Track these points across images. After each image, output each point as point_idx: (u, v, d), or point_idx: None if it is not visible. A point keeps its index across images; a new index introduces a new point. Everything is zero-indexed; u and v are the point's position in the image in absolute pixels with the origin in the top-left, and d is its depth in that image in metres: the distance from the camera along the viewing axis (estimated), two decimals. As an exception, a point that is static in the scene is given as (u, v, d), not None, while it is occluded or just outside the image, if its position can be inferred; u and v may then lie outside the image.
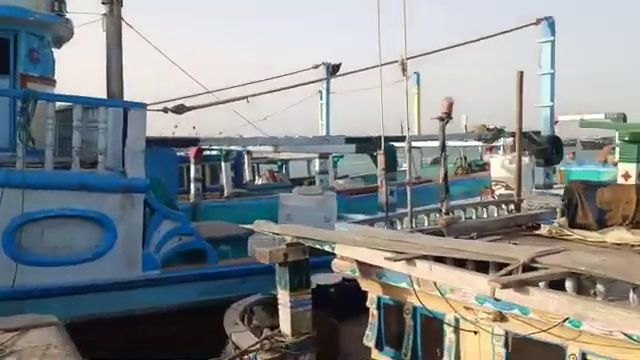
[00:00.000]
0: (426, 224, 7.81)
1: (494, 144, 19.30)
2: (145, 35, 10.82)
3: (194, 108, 10.76)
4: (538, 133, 15.72)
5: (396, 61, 7.90)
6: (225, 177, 22.52)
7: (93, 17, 10.21)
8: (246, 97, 11.14)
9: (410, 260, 4.66)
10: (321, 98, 23.29)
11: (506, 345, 4.77)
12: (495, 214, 8.60)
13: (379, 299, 6.00)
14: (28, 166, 8.26)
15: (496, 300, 3.99)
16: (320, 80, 19.91)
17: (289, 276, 5.92)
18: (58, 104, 9.48)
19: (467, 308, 4.95)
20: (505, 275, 3.94)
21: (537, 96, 15.92)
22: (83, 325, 7.27)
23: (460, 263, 4.68)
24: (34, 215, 8.13)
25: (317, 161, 20.20)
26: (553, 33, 15.56)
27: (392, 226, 7.95)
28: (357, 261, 5.65)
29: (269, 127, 14.47)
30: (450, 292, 4.89)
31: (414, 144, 10.59)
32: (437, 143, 15.24)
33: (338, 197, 12.22)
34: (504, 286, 3.65)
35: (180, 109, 10.39)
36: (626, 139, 10.24)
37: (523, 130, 9.22)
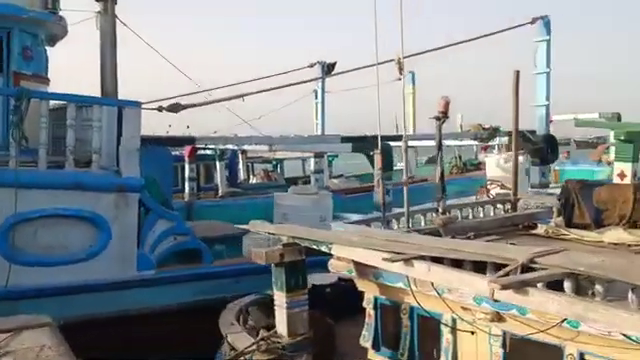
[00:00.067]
0: (422, 224, 7.79)
1: (489, 143, 19.32)
2: (143, 35, 10.77)
3: (189, 107, 10.72)
4: (533, 132, 15.75)
5: (392, 60, 7.86)
6: (220, 176, 22.49)
7: (87, 15, 10.14)
8: (241, 96, 11.10)
9: (408, 261, 4.63)
10: (316, 97, 23.27)
11: (504, 345, 4.75)
12: (491, 213, 8.59)
13: (376, 299, 5.97)
14: (21, 165, 8.19)
15: (495, 301, 3.97)
16: (315, 79, 19.88)
17: (285, 277, 5.88)
18: (51, 103, 9.41)
19: (464, 308, 4.93)
20: (504, 276, 3.91)
21: (532, 95, 15.95)
22: (77, 326, 7.20)
23: (457, 263, 4.65)
24: (27, 215, 8.06)
25: (312, 160, 20.16)
26: (549, 32, 15.58)
27: (388, 226, 7.93)
28: (354, 261, 5.61)
29: (264, 126, 14.45)
30: (447, 292, 4.87)
31: (409, 143, 10.55)
32: (432, 142, 15.29)
33: (333, 196, 12.19)
34: (504, 287, 3.63)
35: (175, 108, 10.34)
36: (622, 138, 10.28)
37: (519, 129, 9.21)
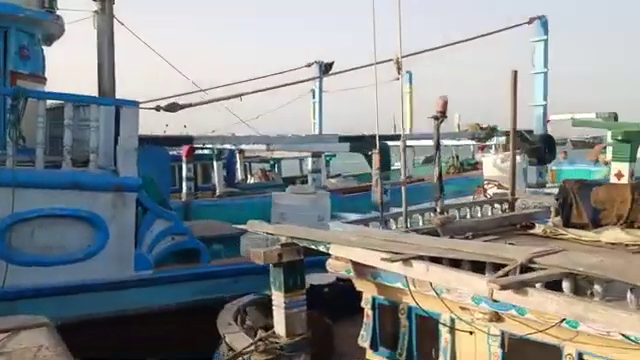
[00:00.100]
0: (420, 224, 7.78)
1: (486, 143, 19.34)
2: (140, 34, 10.74)
3: (187, 106, 10.68)
4: (531, 132, 15.76)
5: (391, 59, 7.85)
6: (217, 176, 22.46)
7: (84, 14, 10.11)
8: (239, 95, 11.07)
9: (406, 261, 4.63)
10: (314, 97, 23.26)
11: (502, 345, 4.76)
12: (489, 213, 8.59)
13: (374, 299, 5.97)
14: (18, 165, 8.16)
15: (494, 301, 3.97)
16: (313, 79, 19.86)
17: (284, 277, 5.87)
18: (48, 102, 9.38)
19: (463, 308, 4.93)
20: (503, 276, 3.91)
21: (530, 95, 15.96)
22: (75, 326, 7.19)
23: (455, 263, 4.65)
24: (24, 214, 8.04)
25: (310, 160, 20.17)
26: (546, 32, 15.58)
27: (386, 226, 7.92)
28: (352, 261, 5.61)
29: (261, 126, 14.45)
30: (446, 292, 4.87)
31: (407, 143, 10.52)
32: (429, 142, 15.30)
33: (331, 196, 12.19)
34: (503, 287, 3.62)
35: (173, 107, 10.31)
36: (619, 138, 10.29)
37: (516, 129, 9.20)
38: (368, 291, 5.98)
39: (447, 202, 8.22)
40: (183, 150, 20.15)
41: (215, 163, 22.44)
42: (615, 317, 3.19)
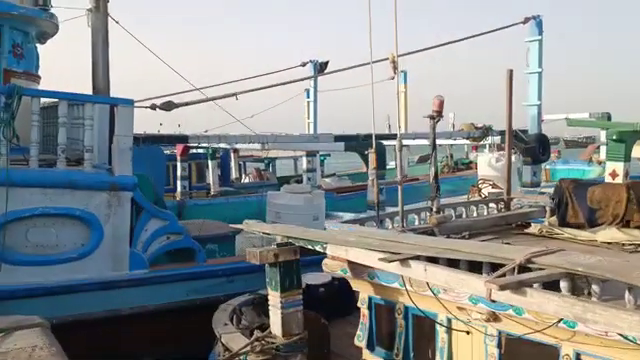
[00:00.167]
0: (416, 223, 7.78)
1: (480, 142, 19.40)
2: (137, 35, 10.69)
3: (183, 105, 10.64)
4: (525, 131, 15.82)
5: (387, 59, 7.85)
6: (212, 175, 22.46)
7: (79, 12, 10.06)
8: (235, 94, 11.03)
9: (404, 261, 4.61)
10: (308, 96, 23.24)
11: (499, 345, 4.75)
12: (485, 213, 8.60)
13: (370, 299, 5.95)
14: (12, 164, 8.10)
15: (492, 301, 3.96)
16: (308, 78, 19.84)
17: (280, 277, 5.84)
18: (41, 101, 9.32)
19: (460, 308, 4.92)
20: (501, 276, 3.90)
21: (524, 95, 16.02)
22: (69, 326, 7.18)
23: (453, 263, 4.64)
24: (18, 214, 7.96)
25: (304, 159, 20.20)
26: (541, 32, 15.65)
27: (382, 225, 7.91)
28: (348, 261, 5.59)
29: (255, 126, 14.39)
30: (443, 292, 4.86)
31: (396, 142, 10.51)
32: (423, 141, 15.34)
33: (326, 195, 12.18)
34: (502, 288, 3.61)
35: (168, 106, 10.26)
36: (614, 138, 10.33)
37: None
38: (364, 291, 5.96)
39: (442, 201, 8.23)
40: (178, 149, 20.13)
41: (210, 162, 22.43)
42: (615, 318, 3.19)
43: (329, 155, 31.08)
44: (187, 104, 10.76)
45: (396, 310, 5.66)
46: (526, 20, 15.62)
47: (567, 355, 4.27)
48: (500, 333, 4.70)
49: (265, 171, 29.96)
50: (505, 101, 8.58)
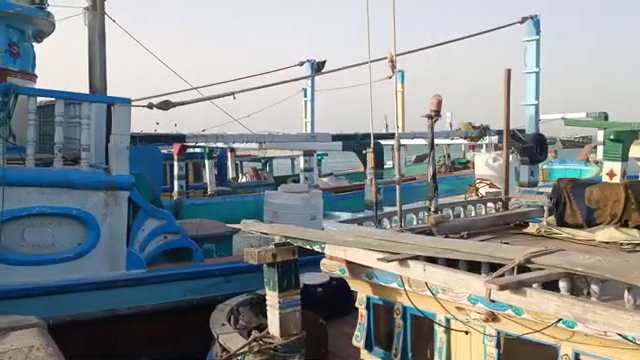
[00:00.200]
0: (414, 223, 7.77)
1: (478, 142, 19.43)
2: (133, 34, 10.65)
3: (180, 104, 10.61)
4: (523, 131, 15.85)
5: (385, 58, 7.84)
6: (209, 175, 22.42)
7: (75, 11, 10.02)
8: (232, 93, 11.01)
9: (403, 261, 4.60)
10: (305, 95, 23.23)
11: (498, 345, 4.74)
12: (483, 212, 8.60)
13: (368, 299, 5.93)
14: (9, 163, 8.06)
15: (492, 302, 3.94)
16: (305, 77, 19.84)
17: (278, 277, 5.81)
18: (38, 100, 9.28)
19: (459, 308, 4.91)
20: (500, 276, 3.89)
21: (521, 94, 16.05)
22: (66, 326, 7.14)
23: (451, 263, 4.63)
24: (15, 213, 7.92)
25: (302, 159, 20.19)
26: (538, 32, 15.68)
27: (380, 225, 7.90)
28: (346, 261, 5.57)
29: (252, 125, 14.38)
30: (442, 292, 4.85)
31: (395, 142, 10.52)
32: (420, 141, 15.34)
33: (323, 195, 12.16)
34: (501, 288, 3.60)
35: (166, 105, 10.23)
36: (611, 138, 10.34)
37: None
38: (363, 291, 5.95)
39: (440, 201, 8.23)
40: (175, 149, 20.09)
41: (207, 162, 22.40)
42: (615, 318, 3.18)
43: (326, 155, 31.09)
44: (184, 103, 10.73)
45: (394, 310, 5.64)
46: (523, 20, 15.65)
47: (566, 355, 4.26)
48: (499, 333, 4.69)
49: (262, 171, 29.94)
50: (503, 101, 8.59)
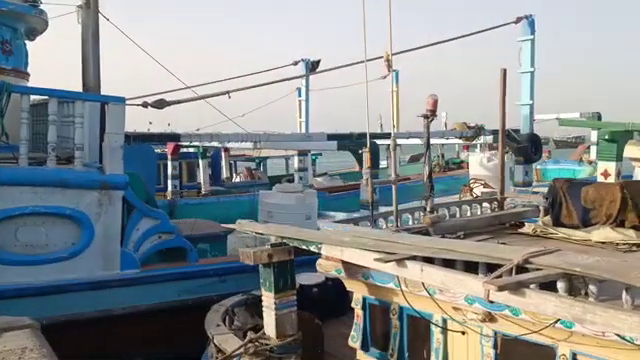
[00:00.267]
0: (410, 223, 7.75)
1: (473, 142, 19.45)
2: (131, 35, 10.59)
3: (175, 103, 10.56)
4: (517, 131, 15.87)
5: (381, 57, 7.83)
6: (202, 175, 22.38)
7: (69, 9, 9.95)
8: (227, 92, 10.96)
9: (400, 261, 4.57)
10: (299, 95, 23.19)
11: (495, 346, 4.72)
12: (478, 212, 8.60)
13: (365, 299, 5.91)
14: (1, 162, 8.00)
15: (490, 302, 3.93)
16: (300, 77, 19.80)
17: (274, 277, 5.78)
18: (31, 98, 9.20)
19: (455, 308, 4.89)
20: (498, 276, 3.87)
21: (516, 94, 16.07)
22: (60, 326, 7.08)
23: (448, 263, 4.61)
24: (8, 212, 7.86)
25: (296, 158, 20.17)
26: (533, 32, 15.70)
27: (376, 225, 7.88)
28: (342, 261, 5.55)
29: (246, 125, 14.33)
30: (438, 293, 4.83)
31: (391, 142, 10.53)
32: (414, 141, 15.32)
33: (318, 195, 12.15)
34: (500, 288, 3.58)
35: (160, 104, 10.18)
36: (606, 138, 10.40)
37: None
38: (359, 291, 5.92)
39: (435, 201, 8.22)
40: (168, 148, 20.04)
41: (200, 161, 22.35)
42: (614, 318, 3.16)
43: (320, 154, 31.08)
44: (179, 102, 10.67)
45: (391, 310, 5.62)
46: (518, 20, 15.66)
47: (564, 355, 4.24)
48: (496, 333, 4.67)
49: (256, 170, 29.92)
50: (498, 100, 8.58)
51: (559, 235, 6.58)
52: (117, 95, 8.85)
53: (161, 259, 9.30)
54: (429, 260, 4.67)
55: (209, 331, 6.53)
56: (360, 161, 12.33)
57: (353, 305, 6.02)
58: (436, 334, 5.18)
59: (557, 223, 6.95)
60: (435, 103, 7.32)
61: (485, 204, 8.76)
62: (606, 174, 10.47)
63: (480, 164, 18.40)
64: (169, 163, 20.09)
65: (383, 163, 23.23)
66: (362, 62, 7.76)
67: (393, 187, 7.17)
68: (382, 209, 9.16)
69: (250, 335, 5.85)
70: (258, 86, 12.17)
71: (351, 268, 5.57)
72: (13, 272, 7.90)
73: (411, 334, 5.52)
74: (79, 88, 9.77)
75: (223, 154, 26.66)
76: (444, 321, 5.08)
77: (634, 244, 6.02)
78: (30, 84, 10.42)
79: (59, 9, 10.28)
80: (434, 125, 7.66)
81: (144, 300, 8.62)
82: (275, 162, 33.40)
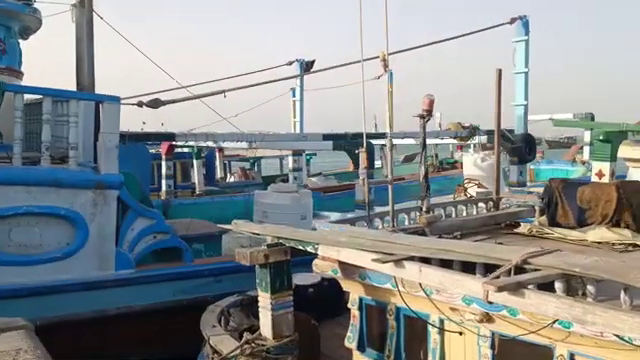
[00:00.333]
0: (406, 223, 7.73)
1: (467, 142, 19.48)
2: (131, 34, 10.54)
3: (170, 102, 10.52)
4: (512, 131, 15.91)
5: (377, 57, 7.81)
6: (197, 174, 22.33)
7: (63, 7, 9.90)
8: (222, 92, 10.93)
9: (398, 262, 4.56)
10: (294, 95, 23.15)
11: (492, 346, 4.71)
12: (474, 212, 8.58)
13: (361, 300, 5.89)
14: (-5, 161, 7.95)
15: (489, 303, 3.92)
16: (295, 77, 19.78)
17: (270, 278, 5.76)
18: (25, 97, 9.14)
19: (453, 309, 4.88)
20: (497, 277, 3.86)
21: (510, 95, 16.11)
22: (54, 327, 7.03)
23: (445, 263, 4.60)
24: (1, 212, 7.82)
25: (290, 158, 20.16)
26: (527, 32, 15.74)
27: (372, 225, 7.85)
28: (339, 261, 5.53)
29: (240, 125, 14.30)
30: (436, 293, 4.82)
31: (387, 142, 10.55)
32: (409, 141, 15.32)
33: (312, 195, 12.13)
34: (500, 289, 3.57)
35: (155, 103, 10.14)
36: (600, 138, 10.41)
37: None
38: (355, 292, 5.90)
39: (430, 201, 8.20)
40: (162, 148, 19.98)
41: (195, 161, 22.29)
42: (614, 319, 3.16)
43: (315, 154, 31.05)
44: (175, 101, 10.64)
45: (387, 311, 5.60)
46: (512, 20, 15.71)
47: (561, 355, 4.24)
48: (493, 334, 4.66)
49: (250, 170, 29.88)
50: (493, 101, 8.58)
51: (555, 235, 6.58)
52: (112, 94, 8.80)
53: (156, 259, 9.26)
54: (426, 260, 4.66)
55: (205, 332, 6.49)
56: (355, 161, 12.33)
57: (349, 306, 6.00)
58: (433, 335, 5.16)
59: (553, 223, 6.95)
60: (431, 103, 7.31)
61: (481, 204, 8.75)
62: (600, 174, 10.47)
63: (474, 164, 18.41)
64: (163, 163, 20.02)
65: (377, 163, 23.22)
66: (357, 62, 7.75)
67: (389, 187, 7.14)
68: (377, 209, 9.14)
69: (246, 336, 5.83)
70: (253, 86, 12.14)
71: (348, 268, 5.55)
72: (7, 272, 7.85)
73: (408, 335, 5.50)
74: (73, 87, 9.73)
75: (217, 154, 26.61)
76: (441, 322, 5.07)
77: (630, 244, 6.03)
78: (24, 83, 10.36)
79: (53, 8, 10.23)
80: (429, 125, 7.65)
81: (139, 300, 8.58)
82: (269, 162, 33.36)
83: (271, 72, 17.21)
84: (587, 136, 23.80)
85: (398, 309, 5.51)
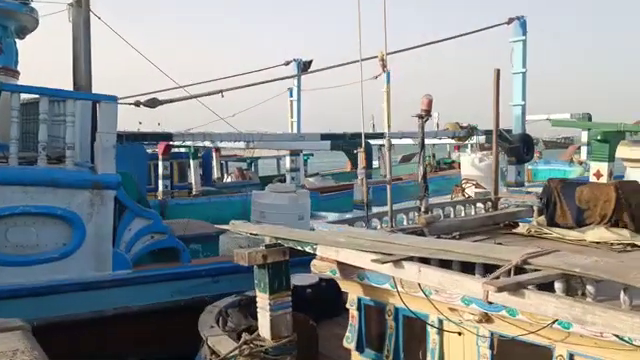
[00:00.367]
0: (405, 223, 7.72)
1: (465, 142, 19.48)
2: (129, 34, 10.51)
3: (167, 102, 10.48)
4: (509, 131, 15.92)
5: (375, 57, 7.80)
6: (194, 175, 22.30)
7: (60, 7, 9.86)
8: (220, 91, 10.91)
9: (397, 262, 4.55)
10: (291, 95, 23.13)
11: (491, 346, 4.70)
12: (472, 212, 8.58)
13: (360, 300, 5.87)
14: (-9, 161, 7.90)
15: (489, 303, 3.90)
16: (292, 76, 19.77)
17: (268, 278, 5.74)
18: (21, 97, 9.09)
19: (452, 309, 4.87)
20: (497, 277, 3.85)
21: (508, 95, 16.12)
22: (51, 328, 7.00)
23: (444, 263, 4.59)
24: (-3, 212, 7.77)
25: (288, 158, 20.13)
26: (525, 33, 15.75)
27: (370, 225, 7.83)
28: (337, 262, 5.51)
29: (237, 125, 14.27)
30: (435, 293, 4.80)
31: (385, 142, 10.54)
32: (406, 141, 15.30)
33: (310, 195, 12.11)
34: (500, 289, 3.56)
35: (153, 103, 10.10)
36: (598, 138, 10.42)
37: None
38: (354, 292, 5.88)
39: (430, 201, 8.19)
40: (159, 148, 19.96)
41: (191, 162, 22.27)
42: (614, 319, 3.15)
43: (312, 155, 31.05)
44: (172, 101, 10.60)
45: (386, 311, 5.59)
46: (510, 20, 15.71)
47: (561, 356, 4.23)
48: (492, 334, 4.65)
49: (247, 170, 29.85)
50: (491, 101, 8.58)
51: (553, 235, 6.58)
52: (109, 94, 8.76)
53: (153, 259, 9.23)
54: (425, 261, 4.65)
55: (203, 332, 6.47)
56: (354, 161, 12.33)
57: (348, 306, 5.99)
58: (432, 335, 5.15)
59: (551, 223, 6.95)
60: (430, 103, 7.30)
61: (479, 204, 8.75)
62: (598, 174, 10.48)
63: (472, 164, 18.41)
64: (160, 163, 19.99)
65: (375, 163, 23.24)
66: (355, 62, 7.73)
67: (388, 187, 7.13)
68: (375, 209, 9.13)
69: (245, 336, 5.81)
70: (250, 85, 12.11)
71: (346, 269, 5.54)
72: (4, 273, 7.81)
73: (407, 335, 5.49)
74: (70, 87, 9.69)
75: (214, 154, 26.59)
76: (440, 322, 5.06)
77: (628, 244, 6.03)
78: (20, 82, 10.31)
79: (50, 7, 10.19)
80: (426, 125, 7.64)
81: (136, 301, 8.55)
82: (266, 162, 33.35)
83: (268, 72, 17.20)
84: (584, 136, 23.84)
85: (397, 309, 5.50)
